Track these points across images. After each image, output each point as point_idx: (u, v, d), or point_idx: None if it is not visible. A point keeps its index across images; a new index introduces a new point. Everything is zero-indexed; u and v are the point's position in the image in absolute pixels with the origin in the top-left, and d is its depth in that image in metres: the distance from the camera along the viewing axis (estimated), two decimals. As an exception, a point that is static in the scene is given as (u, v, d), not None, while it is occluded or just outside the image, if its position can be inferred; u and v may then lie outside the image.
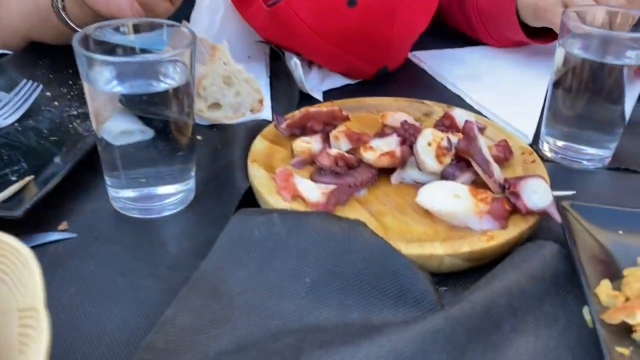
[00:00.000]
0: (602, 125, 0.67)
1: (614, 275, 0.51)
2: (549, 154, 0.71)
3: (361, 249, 0.49)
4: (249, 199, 0.58)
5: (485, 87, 0.85)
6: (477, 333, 0.44)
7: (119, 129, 0.53)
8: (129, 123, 0.52)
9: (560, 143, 0.70)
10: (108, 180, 0.57)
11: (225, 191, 0.59)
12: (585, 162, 0.70)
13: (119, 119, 0.53)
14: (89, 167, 0.61)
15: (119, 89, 0.52)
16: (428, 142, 0.59)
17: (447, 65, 0.91)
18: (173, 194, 0.57)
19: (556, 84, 0.67)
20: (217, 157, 0.66)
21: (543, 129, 0.72)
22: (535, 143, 0.73)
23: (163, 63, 0.53)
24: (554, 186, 0.63)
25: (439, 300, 0.48)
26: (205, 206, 0.58)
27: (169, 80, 0.53)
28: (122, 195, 0.57)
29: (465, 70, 0.90)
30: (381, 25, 0.78)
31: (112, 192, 0.58)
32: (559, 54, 0.66)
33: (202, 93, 0.71)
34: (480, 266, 0.53)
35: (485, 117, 0.78)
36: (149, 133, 0.53)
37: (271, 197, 0.56)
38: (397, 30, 0.79)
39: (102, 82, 0.52)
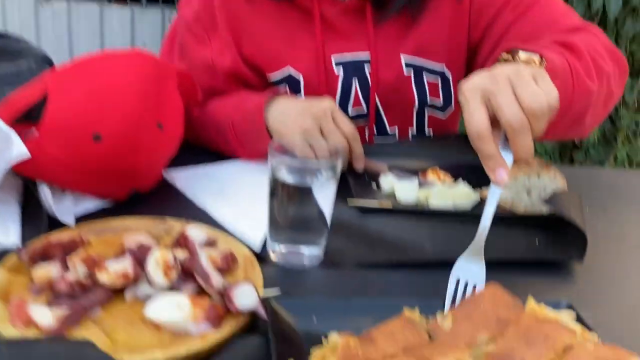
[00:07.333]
0: (312, 228, 0.84)
1: (306, 357, 0.64)
2: (275, 259, 0.85)
3: (85, 366, 0.56)
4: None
5: (229, 202, 0.98)
6: None
7: None
8: None
9: (282, 248, 0.85)
10: None
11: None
12: (305, 263, 0.85)
13: None
14: None
15: None
16: (156, 260, 0.69)
17: (197, 182, 1.04)
18: None
19: (271, 198, 0.83)
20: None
21: (268, 237, 0.86)
22: (265, 249, 0.87)
23: None
24: (281, 285, 0.76)
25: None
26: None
27: None
28: None
29: (215, 186, 1.03)
30: (126, 156, 0.88)
31: None
32: (270, 175, 0.82)
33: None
34: (200, 364, 0.62)
35: (226, 230, 0.91)
36: None
37: (3, 325, 0.60)
38: (143, 159, 0.90)
39: None
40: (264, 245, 0.87)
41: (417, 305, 0.71)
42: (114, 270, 0.68)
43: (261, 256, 0.85)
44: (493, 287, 0.73)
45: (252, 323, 0.69)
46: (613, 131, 2.97)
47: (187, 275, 0.70)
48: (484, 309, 0.69)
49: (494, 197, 0.77)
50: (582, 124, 0.98)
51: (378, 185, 1.08)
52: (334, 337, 0.65)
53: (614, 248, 0.98)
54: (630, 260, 0.95)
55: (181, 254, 0.72)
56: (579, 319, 0.70)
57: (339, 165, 0.83)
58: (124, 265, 0.69)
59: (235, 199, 1.00)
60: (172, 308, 0.64)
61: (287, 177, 0.81)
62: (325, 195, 0.82)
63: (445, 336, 0.66)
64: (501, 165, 0.72)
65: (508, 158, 0.74)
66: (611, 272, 0.91)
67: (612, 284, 0.88)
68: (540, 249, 0.91)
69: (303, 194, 0.81)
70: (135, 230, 0.83)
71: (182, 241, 0.78)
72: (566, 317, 0.70)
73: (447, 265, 0.86)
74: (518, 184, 1.00)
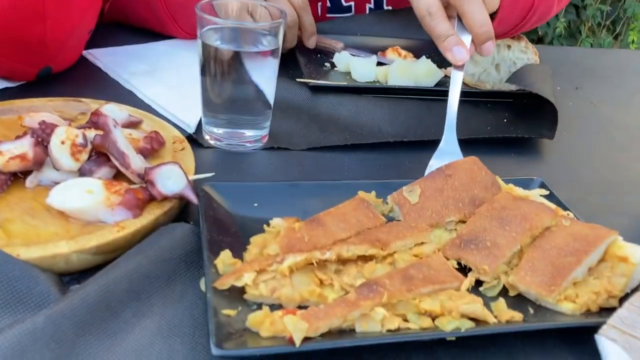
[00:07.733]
0: (252, 109, 0.73)
1: (244, 245, 0.55)
2: (211, 142, 0.74)
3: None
4: None
5: (159, 82, 0.85)
6: (89, 325, 0.44)
7: None
8: None
9: (219, 130, 0.74)
10: None
11: None
12: (247, 145, 0.75)
13: None
14: None
15: None
16: (62, 140, 0.57)
17: (124, 62, 0.90)
18: None
19: (203, 74, 0.71)
20: None
21: (203, 119, 0.75)
22: (201, 132, 0.76)
23: None
24: (219, 171, 0.66)
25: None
26: None
27: None
28: None
29: (143, 67, 0.89)
30: (30, 24, 0.73)
31: None
32: (199, 45, 0.69)
33: None
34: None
35: (156, 111, 0.79)
36: None
37: None
38: (51, 29, 0.75)
39: None
40: (201, 128, 0.76)
41: (374, 189, 0.62)
42: (11, 152, 0.56)
43: (197, 140, 0.74)
44: (471, 160, 0.64)
45: (181, 210, 0.59)
46: (578, 23, 2.87)
47: (102, 157, 0.59)
48: (458, 185, 0.60)
49: (456, 83, 0.71)
50: (548, 17, 0.96)
51: (332, 65, 0.97)
52: (277, 222, 0.56)
53: (585, 126, 0.91)
54: (601, 138, 0.88)
55: (91, 133, 0.60)
56: (552, 197, 0.63)
57: (282, 32, 0.70)
58: (23, 146, 0.57)
59: (168, 80, 0.87)
60: (81, 193, 0.53)
61: (219, 44, 0.68)
62: (267, 70, 0.71)
63: (410, 210, 0.58)
64: (458, 42, 0.70)
65: (465, 38, 0.71)
66: (582, 149, 0.84)
67: (583, 161, 0.81)
68: (508, 127, 0.83)
69: (239, 65, 0.69)
70: (46, 111, 0.71)
71: (95, 119, 0.66)
72: (538, 195, 0.63)
73: (407, 146, 0.78)
74: (486, 57, 0.89)
